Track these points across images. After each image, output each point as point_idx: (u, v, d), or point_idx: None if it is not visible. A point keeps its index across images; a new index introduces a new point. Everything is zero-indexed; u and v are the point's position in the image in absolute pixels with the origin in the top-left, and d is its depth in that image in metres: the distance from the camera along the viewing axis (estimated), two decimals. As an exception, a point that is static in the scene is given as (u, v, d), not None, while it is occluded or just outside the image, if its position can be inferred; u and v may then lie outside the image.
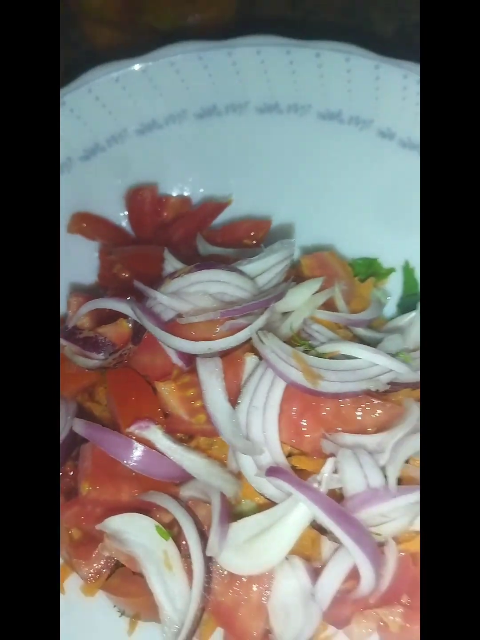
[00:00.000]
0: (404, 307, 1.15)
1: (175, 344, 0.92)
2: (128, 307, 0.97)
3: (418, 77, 1.07)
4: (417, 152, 1.11)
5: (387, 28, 1.51)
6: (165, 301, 0.96)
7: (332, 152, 1.19)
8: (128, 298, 0.98)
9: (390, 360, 0.93)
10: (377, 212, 1.17)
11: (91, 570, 0.97)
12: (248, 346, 0.96)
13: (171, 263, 1.03)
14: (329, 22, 1.51)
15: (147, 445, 0.92)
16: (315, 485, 0.84)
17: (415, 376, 0.93)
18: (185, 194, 1.27)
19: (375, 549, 0.83)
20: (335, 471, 0.86)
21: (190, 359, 0.94)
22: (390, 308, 1.17)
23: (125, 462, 0.91)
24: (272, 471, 0.84)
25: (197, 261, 1.05)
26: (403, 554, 0.86)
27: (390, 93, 1.09)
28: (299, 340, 0.98)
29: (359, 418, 0.90)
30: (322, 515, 0.81)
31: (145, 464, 0.91)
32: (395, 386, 0.94)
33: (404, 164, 1.12)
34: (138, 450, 0.91)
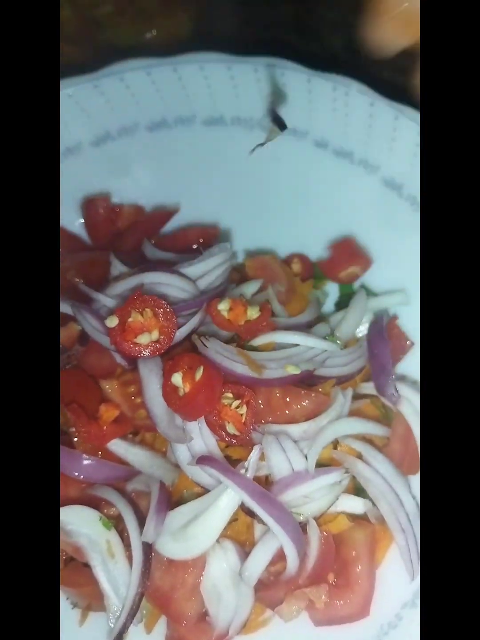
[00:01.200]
0: (341, 306, 1.21)
1: (108, 345, 0.97)
2: (72, 309, 1.02)
3: (346, 89, 1.13)
4: (348, 161, 1.18)
5: (336, 43, 1.58)
6: (108, 302, 1.02)
7: (273, 162, 1.25)
8: (73, 302, 1.03)
9: (322, 342, 0.99)
10: (314, 217, 1.23)
11: (43, 563, 1.01)
12: (188, 345, 1.02)
13: (117, 267, 1.09)
14: (279, 40, 1.58)
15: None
16: (243, 471, 0.89)
17: (340, 370, 0.99)
18: (138, 202, 1.32)
19: (298, 529, 0.88)
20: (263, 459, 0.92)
21: (131, 358, 0.99)
22: (328, 306, 1.22)
23: (70, 473, 0.95)
24: (203, 459, 0.89)
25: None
26: (325, 534, 0.91)
27: (322, 104, 1.16)
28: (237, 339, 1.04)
29: (287, 410, 0.95)
30: (247, 498, 0.87)
31: (90, 472, 0.96)
32: (322, 378, 1.00)
33: (336, 172, 1.19)
34: (82, 461, 0.95)
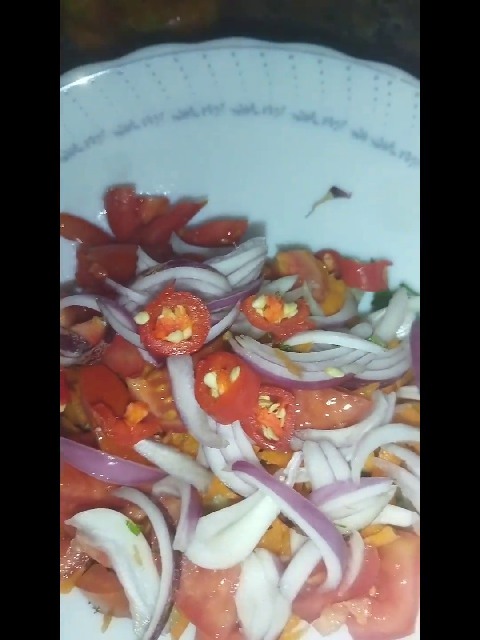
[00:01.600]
0: (377, 304, 1.16)
1: (137, 343, 0.93)
2: (98, 304, 0.98)
3: (390, 78, 1.08)
4: (389, 152, 1.12)
5: (367, 32, 1.53)
6: (136, 298, 0.97)
7: (306, 153, 1.20)
8: (98, 296, 0.98)
9: (364, 343, 0.95)
10: (352, 212, 1.19)
11: (65, 567, 0.97)
12: (220, 344, 0.97)
13: (144, 261, 1.04)
14: (308, 26, 1.53)
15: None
16: (282, 478, 0.85)
17: (383, 374, 0.94)
18: (163, 194, 1.28)
19: (341, 542, 0.84)
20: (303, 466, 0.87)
21: (161, 356, 0.95)
22: (364, 305, 1.18)
23: (94, 474, 0.92)
24: (239, 465, 0.85)
25: (172, 259, 1.07)
26: (369, 546, 0.87)
27: (361, 94, 1.11)
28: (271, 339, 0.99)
29: (328, 414, 0.90)
30: (287, 508, 0.83)
31: (115, 474, 0.92)
32: (364, 381, 0.95)
33: (376, 164, 1.14)
34: (106, 462, 0.92)
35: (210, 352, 0.94)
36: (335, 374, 0.89)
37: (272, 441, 0.87)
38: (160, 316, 0.91)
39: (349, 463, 0.88)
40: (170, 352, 0.90)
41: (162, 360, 0.96)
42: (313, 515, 0.82)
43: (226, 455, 0.89)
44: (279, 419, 0.88)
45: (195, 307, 0.91)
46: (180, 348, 0.90)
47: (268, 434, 0.88)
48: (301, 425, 0.91)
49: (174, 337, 0.91)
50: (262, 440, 0.87)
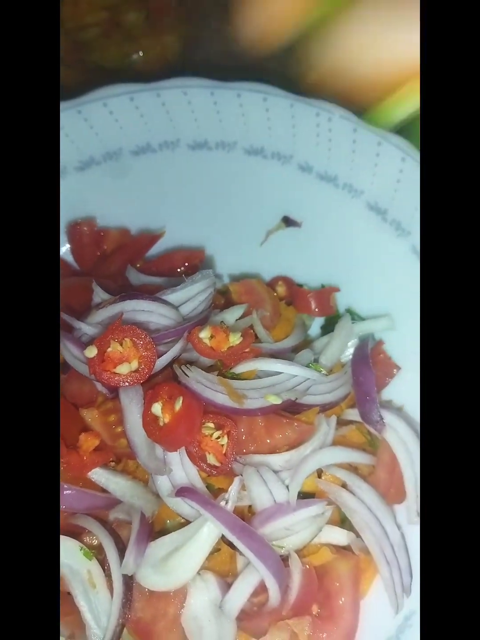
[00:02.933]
0: (326, 329, 1.20)
1: (88, 374, 0.97)
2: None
3: (330, 115, 1.13)
4: (332, 184, 1.18)
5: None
6: (88, 331, 1.01)
7: (258, 185, 1.25)
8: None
9: (304, 370, 0.99)
10: (303, 240, 1.24)
11: (24, 591, 1.01)
12: (169, 373, 1.01)
13: (98, 294, 1.08)
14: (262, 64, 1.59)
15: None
16: (223, 502, 0.89)
17: (324, 398, 0.99)
18: (124, 226, 1.32)
19: (279, 563, 0.88)
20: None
21: (111, 388, 0.99)
22: (314, 330, 1.22)
23: None
24: (182, 491, 0.89)
25: (130, 291, 1.11)
26: (307, 566, 0.90)
27: (305, 129, 1.16)
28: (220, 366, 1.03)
29: (269, 439, 0.94)
30: (226, 531, 0.86)
31: (70, 502, 0.95)
32: (306, 406, 0.99)
33: (321, 195, 1.19)
34: (62, 490, 0.94)
35: (159, 382, 0.98)
36: (274, 400, 0.94)
37: (214, 467, 0.91)
38: (109, 349, 0.95)
39: (287, 486, 0.91)
40: (118, 383, 0.94)
41: (114, 391, 1.00)
42: (251, 538, 0.86)
43: (174, 481, 0.92)
44: (222, 445, 0.92)
45: (141, 340, 0.95)
46: (127, 379, 0.95)
47: (211, 460, 0.92)
48: (245, 450, 0.95)
49: (122, 369, 0.94)
50: (205, 466, 0.91)
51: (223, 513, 0.87)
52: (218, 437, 0.92)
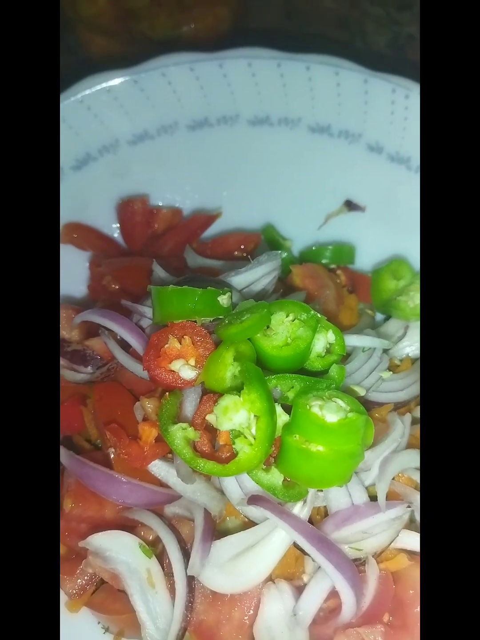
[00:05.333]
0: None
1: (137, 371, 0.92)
2: (101, 336, 0.97)
3: (407, 92, 1.06)
4: (405, 167, 1.11)
5: (380, 40, 1.51)
6: (150, 314, 0.96)
7: (321, 166, 1.18)
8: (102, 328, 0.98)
9: (379, 340, 0.96)
10: (364, 225, 1.18)
11: (75, 587, 0.96)
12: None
13: (159, 275, 1.02)
14: (322, 35, 1.52)
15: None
16: (300, 504, 0.83)
17: (396, 396, 0.93)
18: (177, 205, 1.26)
19: (356, 573, 0.83)
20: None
21: (168, 387, 0.92)
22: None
23: (108, 496, 0.90)
24: (254, 499, 0.83)
25: (186, 273, 1.05)
26: (384, 572, 0.85)
27: (378, 107, 1.09)
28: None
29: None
30: (302, 541, 0.81)
31: (129, 496, 0.90)
32: (377, 404, 0.93)
33: (391, 177, 1.12)
34: (120, 484, 0.90)
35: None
36: (359, 391, 0.88)
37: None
38: (166, 345, 0.89)
39: (365, 488, 0.86)
40: (172, 383, 0.88)
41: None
42: (328, 549, 0.81)
43: (243, 485, 0.87)
44: None
45: (201, 338, 0.89)
46: (180, 380, 0.88)
47: None
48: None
49: (177, 366, 0.88)
50: None
51: (298, 522, 0.82)
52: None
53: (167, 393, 0.91)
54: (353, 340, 0.95)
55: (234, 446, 0.81)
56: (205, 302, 0.88)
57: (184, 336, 0.90)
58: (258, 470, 0.81)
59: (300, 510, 0.84)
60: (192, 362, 0.89)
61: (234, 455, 0.81)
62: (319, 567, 0.85)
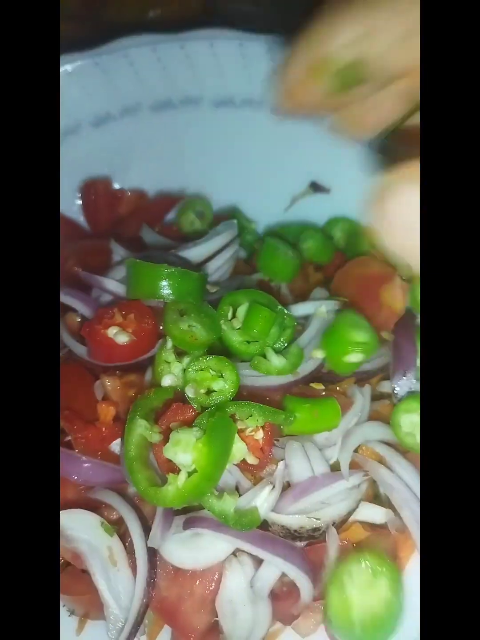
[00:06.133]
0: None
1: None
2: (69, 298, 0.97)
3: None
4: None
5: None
6: (111, 286, 0.95)
7: (286, 147, 1.18)
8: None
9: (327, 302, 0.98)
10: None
11: (38, 569, 0.95)
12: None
13: (118, 252, 1.02)
14: (291, 19, 1.52)
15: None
16: (270, 486, 0.84)
17: (363, 366, 0.94)
18: (140, 188, 1.25)
19: (306, 559, 0.84)
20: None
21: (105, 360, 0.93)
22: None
23: (68, 475, 0.89)
24: (189, 522, 0.84)
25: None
26: (345, 542, 0.86)
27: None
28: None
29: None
30: (247, 546, 0.83)
31: (89, 475, 0.90)
32: (339, 377, 0.94)
33: (354, 159, 1.12)
34: (80, 463, 0.89)
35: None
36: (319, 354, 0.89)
37: (253, 466, 0.84)
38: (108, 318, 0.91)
39: (327, 461, 0.86)
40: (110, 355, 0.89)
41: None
42: (272, 544, 0.82)
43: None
44: (257, 440, 0.84)
45: (147, 320, 0.90)
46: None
47: (250, 459, 0.84)
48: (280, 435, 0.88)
49: (112, 332, 0.89)
50: (243, 466, 0.85)
51: (237, 532, 0.82)
52: (251, 432, 0.83)
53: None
54: (305, 308, 0.95)
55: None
56: (177, 280, 0.88)
57: (131, 313, 0.90)
58: (210, 496, 0.81)
59: (269, 494, 0.84)
60: (129, 330, 0.90)
61: None
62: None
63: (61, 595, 0.97)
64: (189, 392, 0.83)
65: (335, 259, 1.17)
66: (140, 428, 0.82)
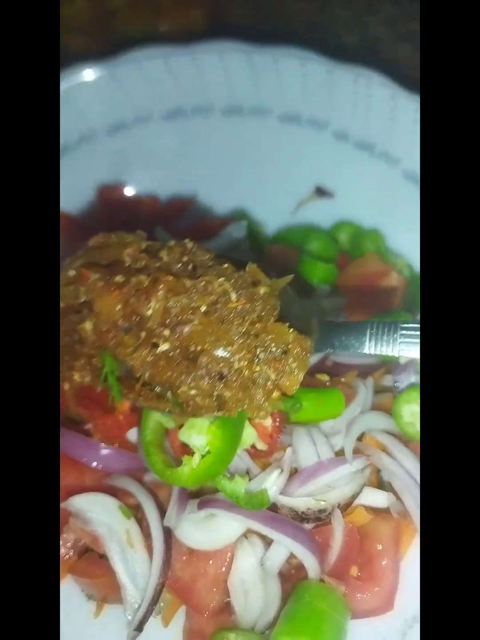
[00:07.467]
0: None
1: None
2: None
3: (368, 81, 1.13)
4: (369, 153, 1.17)
5: (349, 40, 1.58)
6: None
7: (292, 153, 1.24)
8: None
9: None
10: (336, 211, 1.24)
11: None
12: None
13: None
14: (293, 34, 1.58)
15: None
16: (278, 471, 0.88)
17: (362, 359, 0.98)
18: (152, 193, 1.31)
19: (313, 539, 0.89)
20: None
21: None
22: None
23: (87, 462, 0.94)
24: (203, 503, 0.89)
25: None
26: (350, 525, 0.90)
27: (342, 96, 1.15)
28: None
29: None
30: (257, 525, 0.87)
31: (108, 462, 0.94)
32: (344, 368, 0.99)
33: (356, 164, 1.18)
34: (99, 450, 0.94)
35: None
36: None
37: (262, 452, 0.89)
38: None
39: (332, 447, 0.91)
40: None
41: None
42: (281, 524, 0.87)
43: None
44: (266, 427, 0.88)
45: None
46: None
47: (259, 445, 0.89)
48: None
49: None
50: (253, 453, 0.90)
51: (249, 512, 0.87)
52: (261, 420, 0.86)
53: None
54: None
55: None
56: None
57: None
58: (222, 478, 0.85)
59: (277, 478, 0.88)
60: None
61: None
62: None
63: (79, 580, 1.01)
64: None
65: (340, 260, 1.22)
66: (157, 415, 0.87)
